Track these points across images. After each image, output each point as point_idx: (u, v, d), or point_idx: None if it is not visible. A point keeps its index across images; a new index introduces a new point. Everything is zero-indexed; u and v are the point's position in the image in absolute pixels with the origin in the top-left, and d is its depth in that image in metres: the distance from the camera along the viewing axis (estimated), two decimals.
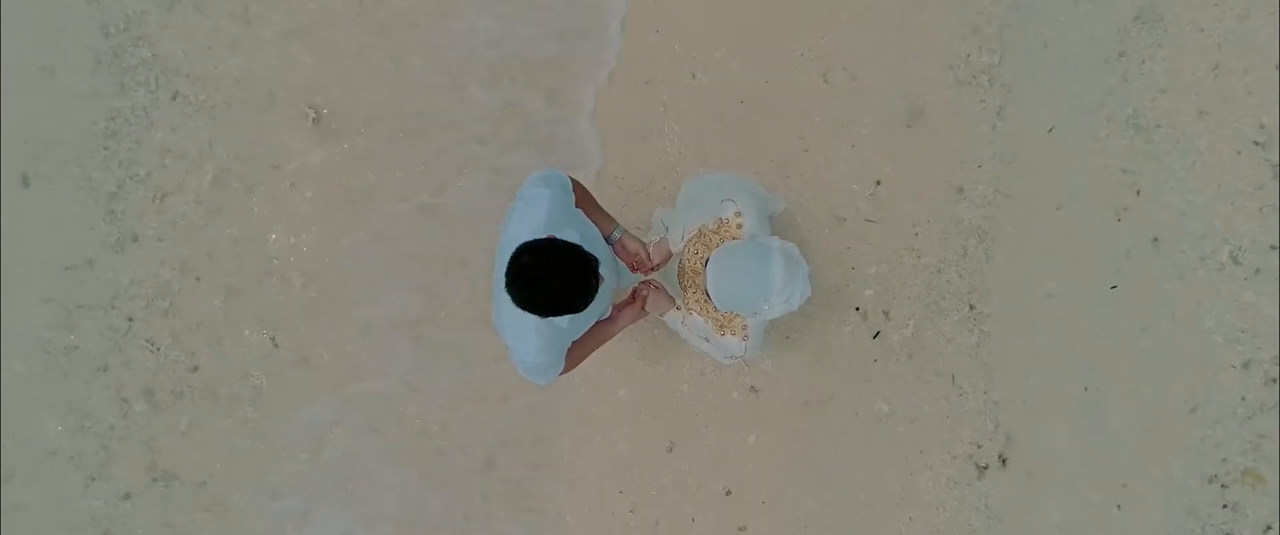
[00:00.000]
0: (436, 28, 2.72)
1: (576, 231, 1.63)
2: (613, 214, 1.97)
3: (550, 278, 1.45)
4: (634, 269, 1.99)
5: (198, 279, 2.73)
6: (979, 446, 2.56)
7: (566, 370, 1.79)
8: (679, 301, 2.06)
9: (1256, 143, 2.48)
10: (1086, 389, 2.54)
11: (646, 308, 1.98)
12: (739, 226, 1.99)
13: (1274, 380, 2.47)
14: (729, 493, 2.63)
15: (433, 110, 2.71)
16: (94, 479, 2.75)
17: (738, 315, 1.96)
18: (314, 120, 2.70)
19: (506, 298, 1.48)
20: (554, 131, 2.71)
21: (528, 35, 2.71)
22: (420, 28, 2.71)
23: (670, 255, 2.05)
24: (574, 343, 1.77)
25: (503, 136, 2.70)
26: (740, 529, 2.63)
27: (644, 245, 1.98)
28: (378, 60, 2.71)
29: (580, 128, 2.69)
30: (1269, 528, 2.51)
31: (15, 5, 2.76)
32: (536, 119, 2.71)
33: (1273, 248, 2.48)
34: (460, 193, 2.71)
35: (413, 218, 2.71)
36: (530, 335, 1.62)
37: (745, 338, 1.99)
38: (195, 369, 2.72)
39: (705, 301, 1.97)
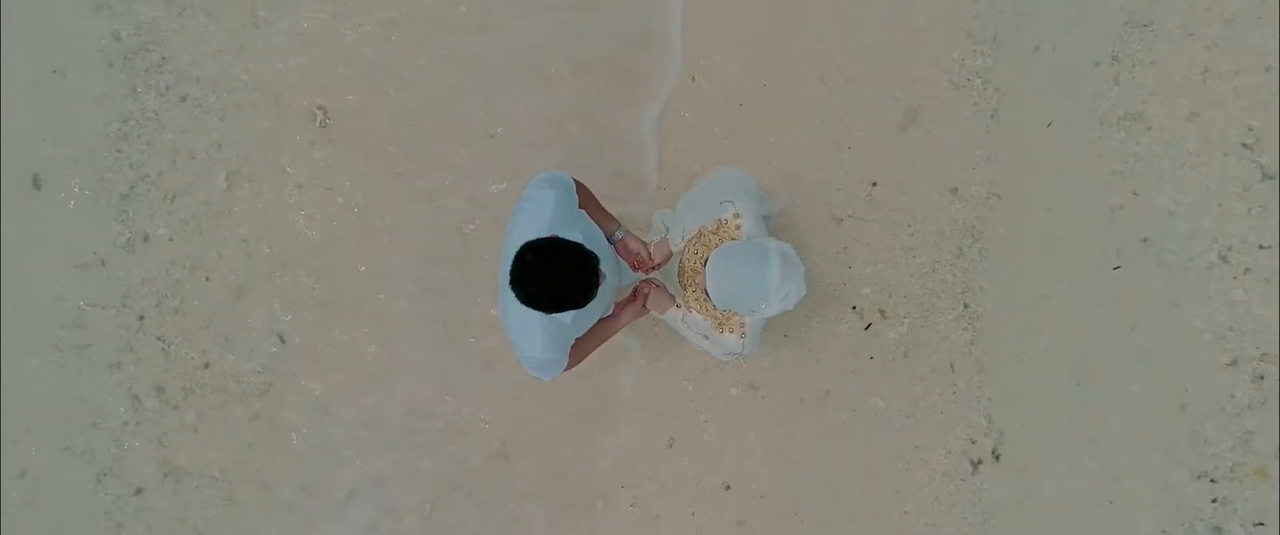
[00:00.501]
0: (457, 33, 2.75)
1: (580, 231, 1.68)
2: (613, 214, 2.02)
3: (553, 275, 1.50)
4: (635, 268, 2.04)
5: (208, 278, 2.78)
6: (973, 442, 2.61)
7: (571, 366, 1.84)
8: (679, 300, 2.11)
9: (1245, 145, 2.52)
10: (1078, 386, 2.58)
11: (647, 305, 2.03)
12: (738, 227, 2.04)
13: (1262, 377, 2.51)
14: (728, 487, 2.68)
15: (443, 113, 2.75)
16: (106, 474, 2.80)
17: (736, 313, 2.01)
18: (321, 123, 2.75)
19: (512, 295, 1.53)
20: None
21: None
22: (433, 32, 2.75)
23: (670, 255, 2.10)
24: (577, 339, 1.83)
25: (522, 139, 2.74)
26: (739, 523, 2.67)
27: (645, 245, 2.03)
28: (388, 63, 2.75)
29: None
30: (1259, 523, 2.55)
31: (27, 9, 2.81)
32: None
33: (1261, 247, 2.52)
34: (474, 193, 2.75)
35: (422, 217, 2.75)
36: (535, 332, 1.67)
37: (743, 335, 2.04)
38: (206, 366, 2.77)
39: (704, 300, 2.01)
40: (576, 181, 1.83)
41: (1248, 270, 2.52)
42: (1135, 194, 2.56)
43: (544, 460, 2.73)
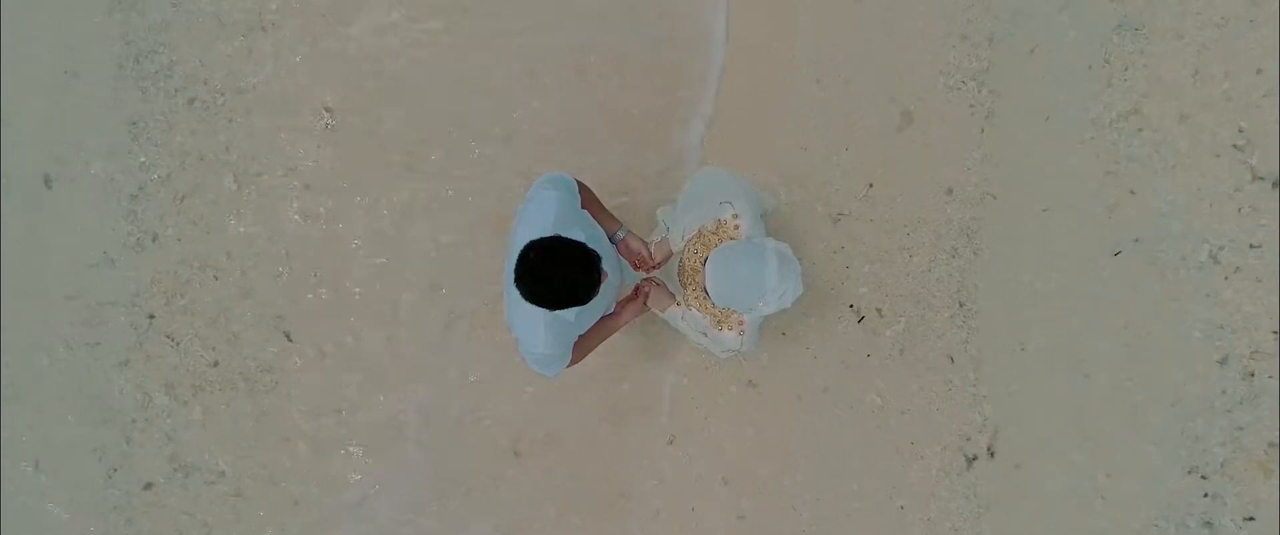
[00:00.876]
0: (467, 35, 2.78)
1: (582, 231, 1.73)
2: (614, 212, 2.06)
3: (556, 273, 1.55)
4: (636, 267, 2.09)
5: (216, 277, 2.82)
6: (968, 438, 2.65)
7: (573, 362, 1.88)
8: (679, 298, 2.15)
9: (1235, 146, 2.56)
10: (1071, 383, 2.62)
11: (648, 303, 2.07)
12: (736, 228, 2.07)
13: (1252, 375, 2.55)
14: (727, 482, 2.72)
15: (452, 114, 2.78)
16: (116, 470, 2.85)
17: (735, 311, 2.05)
18: (328, 124, 2.79)
19: (517, 293, 1.58)
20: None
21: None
22: (444, 33, 2.79)
23: (671, 254, 2.14)
24: (580, 336, 1.87)
25: (533, 141, 2.76)
26: (739, 517, 2.71)
27: (646, 244, 2.08)
28: (396, 64, 2.78)
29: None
30: (1250, 517, 2.59)
31: (40, 12, 2.85)
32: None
33: (1252, 247, 2.56)
34: (481, 194, 2.78)
35: (429, 217, 2.79)
36: (539, 329, 1.71)
37: (742, 332, 2.08)
38: (215, 364, 2.82)
39: (704, 298, 2.05)
40: (578, 182, 1.88)
41: (1238, 269, 2.56)
42: (1128, 194, 2.60)
43: (552, 457, 2.77)
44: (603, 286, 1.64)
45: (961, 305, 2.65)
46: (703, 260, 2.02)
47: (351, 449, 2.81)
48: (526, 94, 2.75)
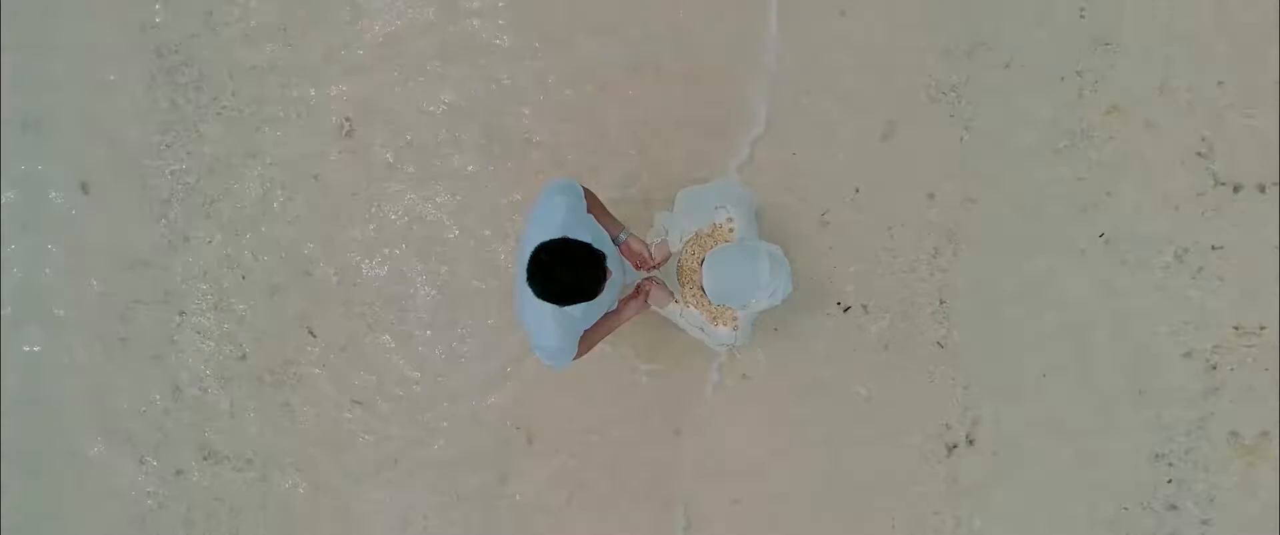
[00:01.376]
0: (488, 49, 2.86)
1: (588, 233, 1.85)
2: (616, 215, 2.21)
3: (565, 271, 1.68)
4: (637, 267, 2.21)
5: (244, 277, 2.97)
6: (948, 427, 2.77)
7: (579, 355, 2.00)
8: (677, 296, 2.28)
9: (1199, 153, 2.71)
10: (1044, 376, 2.75)
11: (649, 301, 2.20)
12: (731, 230, 2.22)
13: (1214, 368, 2.71)
14: (722, 470, 2.82)
15: (460, 122, 2.88)
16: (148, 457, 3.01)
17: (729, 308, 2.19)
18: (348, 133, 2.93)
19: (528, 290, 1.71)
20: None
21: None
22: (457, 46, 2.88)
23: (670, 255, 2.27)
24: (586, 331, 1.99)
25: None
26: (734, 501, 2.83)
27: (647, 246, 2.21)
28: (413, 73, 2.89)
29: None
30: (1211, 499, 2.75)
31: (78, 29, 3.00)
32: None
33: (1213, 248, 2.72)
34: (494, 198, 2.88)
35: (443, 220, 2.90)
36: (548, 323, 1.83)
37: (736, 327, 2.22)
38: (243, 358, 2.97)
39: (701, 296, 2.18)
40: (584, 188, 2.02)
41: (1201, 269, 2.71)
42: (1099, 199, 2.75)
43: (562, 447, 2.87)
44: (607, 284, 1.75)
45: (943, 302, 2.78)
46: (700, 261, 2.14)
47: (370, 440, 2.93)
48: (547, 102, 2.84)
